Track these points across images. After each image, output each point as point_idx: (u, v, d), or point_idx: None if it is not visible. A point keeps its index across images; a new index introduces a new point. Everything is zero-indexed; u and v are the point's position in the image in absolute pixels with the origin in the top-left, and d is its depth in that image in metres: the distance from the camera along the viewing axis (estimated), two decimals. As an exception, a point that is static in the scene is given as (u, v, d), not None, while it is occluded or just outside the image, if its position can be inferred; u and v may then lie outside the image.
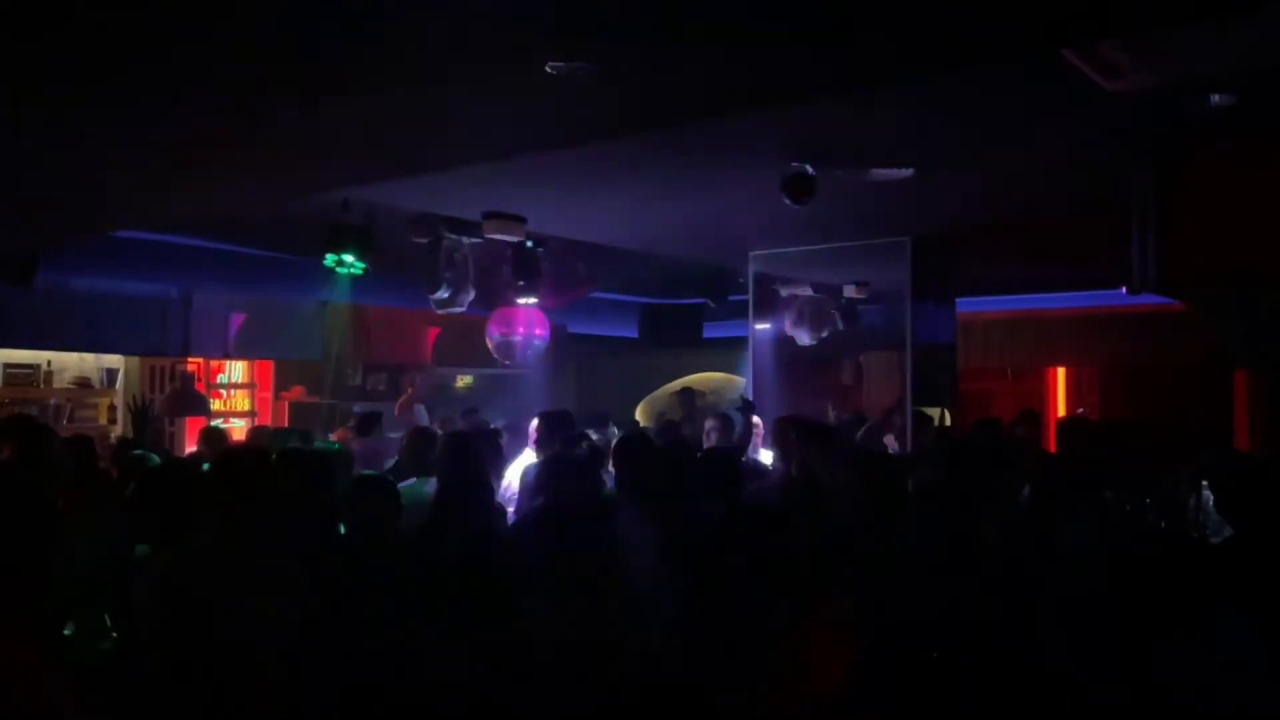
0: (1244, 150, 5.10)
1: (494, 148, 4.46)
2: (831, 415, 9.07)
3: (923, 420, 7.62)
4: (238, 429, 8.67)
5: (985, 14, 2.92)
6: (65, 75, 3.42)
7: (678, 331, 11.50)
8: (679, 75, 3.38)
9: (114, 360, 9.08)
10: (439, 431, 6.06)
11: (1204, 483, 4.87)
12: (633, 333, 11.85)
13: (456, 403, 10.96)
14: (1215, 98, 4.01)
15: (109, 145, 4.40)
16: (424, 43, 3.11)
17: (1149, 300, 8.86)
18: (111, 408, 9.12)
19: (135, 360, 9.05)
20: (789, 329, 8.76)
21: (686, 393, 11.45)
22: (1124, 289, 8.38)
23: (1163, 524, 4.35)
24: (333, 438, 7.32)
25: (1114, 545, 3.69)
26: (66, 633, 2.62)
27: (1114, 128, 4.67)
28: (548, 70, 3.16)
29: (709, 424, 6.13)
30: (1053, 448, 6.26)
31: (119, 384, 9.13)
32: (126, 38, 3.04)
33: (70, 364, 8.93)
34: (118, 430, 8.71)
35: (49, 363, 8.78)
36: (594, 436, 5.94)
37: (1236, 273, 8.62)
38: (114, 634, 2.68)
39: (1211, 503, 4.78)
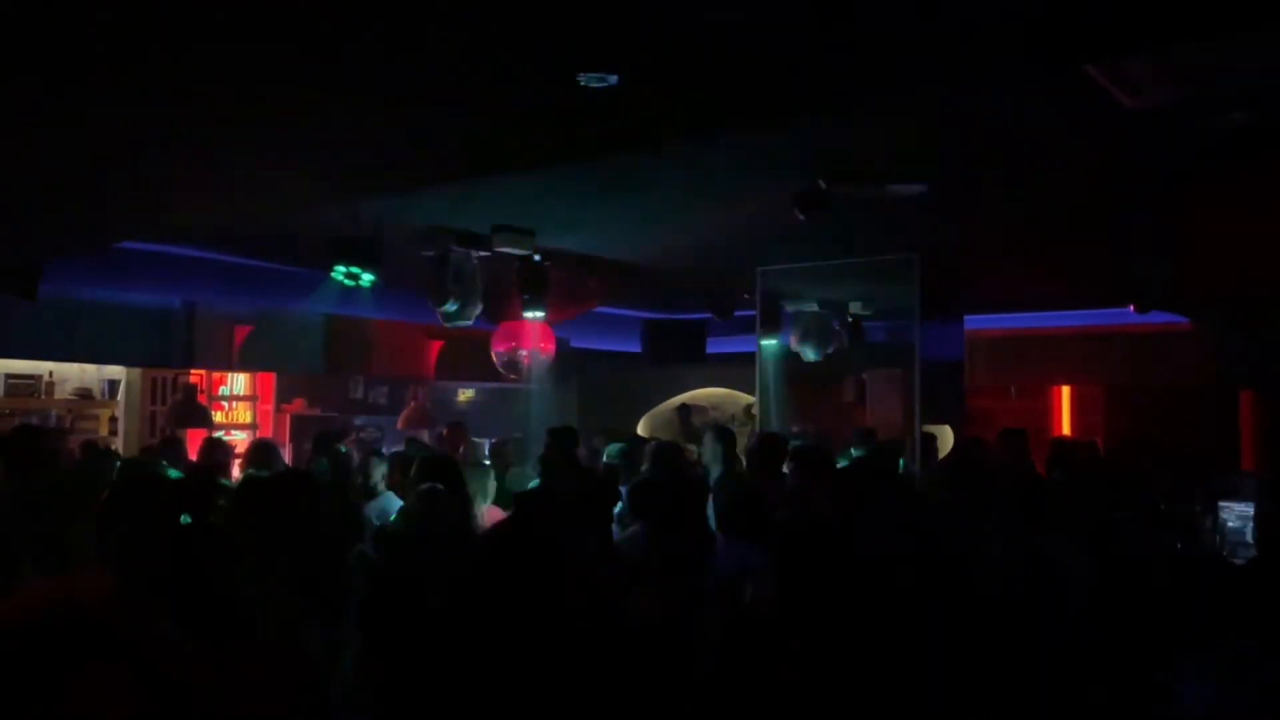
0: (1256, 171, 5.07)
1: (512, 160, 4.44)
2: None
3: (928, 440, 7.55)
4: (240, 441, 8.61)
5: (1005, 26, 2.89)
6: (68, 82, 3.39)
7: (681, 347, 11.47)
8: (701, 87, 3.36)
9: (115, 371, 9.03)
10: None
11: (1220, 503, 4.85)
12: (636, 347, 11.82)
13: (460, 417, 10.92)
14: (1233, 116, 3.98)
15: (113, 154, 4.36)
16: (445, 52, 3.09)
17: (1155, 319, 8.86)
18: (113, 419, 9.07)
19: (137, 371, 9.00)
20: (795, 345, 8.73)
21: (684, 409, 11.42)
22: (1131, 307, 8.36)
23: (1179, 545, 4.30)
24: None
25: (1120, 566, 3.65)
26: None
27: (1128, 146, 4.65)
28: (578, 82, 3.13)
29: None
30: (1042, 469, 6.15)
31: (120, 395, 9.07)
32: (131, 42, 3.01)
33: (71, 374, 8.87)
34: (118, 442, 8.66)
35: (50, 373, 8.72)
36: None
37: (1245, 293, 8.61)
38: None
39: (1229, 523, 4.76)
